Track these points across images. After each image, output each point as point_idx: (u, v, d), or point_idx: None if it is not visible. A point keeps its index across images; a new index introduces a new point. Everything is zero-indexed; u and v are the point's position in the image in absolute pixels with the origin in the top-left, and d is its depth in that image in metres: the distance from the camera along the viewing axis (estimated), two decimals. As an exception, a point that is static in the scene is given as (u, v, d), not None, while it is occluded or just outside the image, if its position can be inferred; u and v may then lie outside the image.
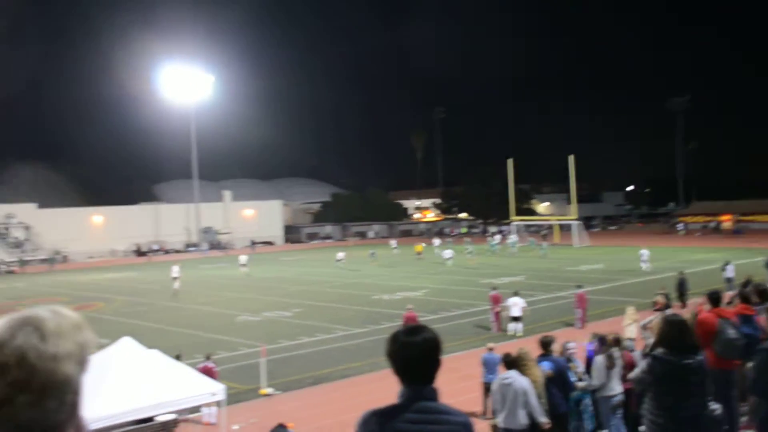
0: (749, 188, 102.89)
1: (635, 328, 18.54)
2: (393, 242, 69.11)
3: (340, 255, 51.41)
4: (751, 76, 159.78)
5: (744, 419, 8.38)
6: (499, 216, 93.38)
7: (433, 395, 2.86)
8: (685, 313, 8.74)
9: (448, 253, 50.11)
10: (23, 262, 67.52)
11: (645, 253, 42.03)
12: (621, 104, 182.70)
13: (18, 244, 74.08)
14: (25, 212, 78.47)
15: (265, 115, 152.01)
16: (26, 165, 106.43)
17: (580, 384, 10.63)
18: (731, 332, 7.62)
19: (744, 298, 8.54)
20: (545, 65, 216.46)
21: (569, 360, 10.87)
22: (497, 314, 24.73)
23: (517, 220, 73.86)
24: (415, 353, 2.84)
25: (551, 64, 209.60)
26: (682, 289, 27.23)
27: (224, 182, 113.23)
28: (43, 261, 68.70)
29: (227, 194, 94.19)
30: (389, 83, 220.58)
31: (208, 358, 16.61)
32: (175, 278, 39.95)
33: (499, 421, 9.97)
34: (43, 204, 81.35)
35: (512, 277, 40.13)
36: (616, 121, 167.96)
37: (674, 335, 5.32)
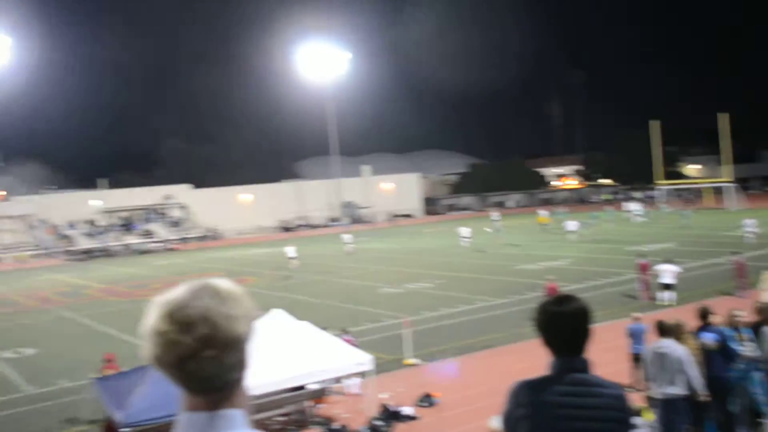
0: None
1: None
2: (495, 215, 64.44)
3: (465, 231, 46.84)
4: None
5: None
6: (645, 181, 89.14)
7: (584, 366, 2.79)
8: None
9: (572, 224, 45.82)
10: (182, 240, 72.35)
11: (749, 222, 37.81)
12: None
13: (176, 223, 79.29)
14: (181, 193, 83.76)
15: (401, 89, 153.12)
16: (180, 146, 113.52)
17: (749, 354, 10.01)
18: None
19: None
20: (689, 17, 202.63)
21: (737, 329, 10.25)
22: (646, 282, 23.79)
23: (663, 185, 70.25)
24: (564, 323, 2.78)
25: (696, 15, 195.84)
26: None
27: (363, 157, 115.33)
28: (200, 238, 73.23)
29: (366, 169, 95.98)
30: (524, 49, 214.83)
31: (344, 331, 16.96)
32: (291, 258, 40.25)
33: (655, 391, 9.64)
34: (197, 184, 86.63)
35: (662, 243, 38.34)
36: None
37: None
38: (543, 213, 59.00)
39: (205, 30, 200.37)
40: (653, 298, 23.17)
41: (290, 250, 41.76)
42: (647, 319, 14.73)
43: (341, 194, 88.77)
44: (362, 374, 14.34)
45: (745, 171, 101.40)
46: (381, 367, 17.42)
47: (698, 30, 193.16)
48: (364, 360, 13.78)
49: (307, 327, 14.48)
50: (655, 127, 69.18)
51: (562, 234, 46.57)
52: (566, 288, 26.03)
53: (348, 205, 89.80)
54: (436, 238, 54.55)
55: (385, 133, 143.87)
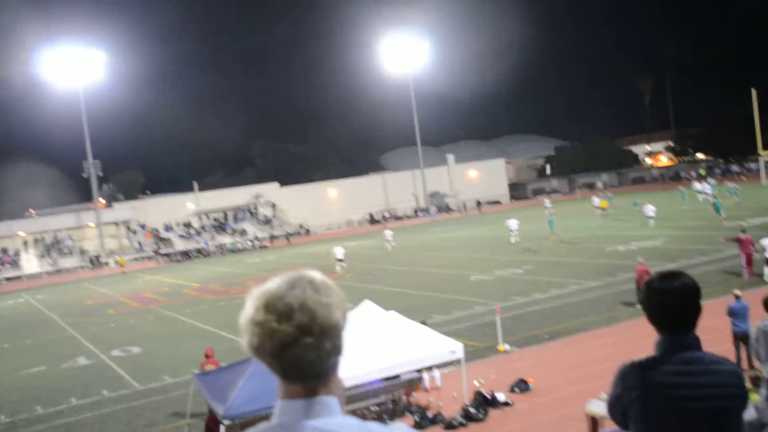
0: None
1: None
2: (547, 201, 63.12)
3: (513, 224, 41.14)
4: None
5: None
6: (744, 152, 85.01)
7: (696, 344, 2.70)
8: None
9: (650, 209, 41.24)
10: (273, 237, 74.13)
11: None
12: None
13: (266, 221, 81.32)
14: (270, 191, 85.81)
15: (480, 75, 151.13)
16: (268, 146, 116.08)
17: None
18: None
19: None
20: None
21: None
22: (749, 258, 22.65)
23: (765, 155, 66.75)
24: (673, 300, 2.70)
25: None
26: None
27: (446, 146, 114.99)
28: (290, 235, 74.84)
29: (450, 157, 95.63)
30: (610, 26, 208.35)
31: (423, 323, 16.44)
32: (339, 260, 38.03)
33: (764, 370, 9.19)
34: (285, 182, 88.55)
35: (762, 217, 36.51)
36: None
37: None
38: (596, 200, 54.16)
39: (288, 28, 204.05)
40: (759, 275, 22.10)
41: (339, 252, 38.60)
42: (752, 297, 14.08)
43: (427, 184, 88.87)
44: (455, 362, 14.33)
45: None
46: (474, 355, 17.39)
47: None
48: (455, 347, 13.76)
49: (395, 316, 14.59)
50: (754, 95, 65.69)
51: (628, 220, 44.78)
52: (661, 268, 25.21)
53: (434, 195, 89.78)
54: (524, 222, 53.71)
55: (468, 120, 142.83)
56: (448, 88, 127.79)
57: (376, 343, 13.28)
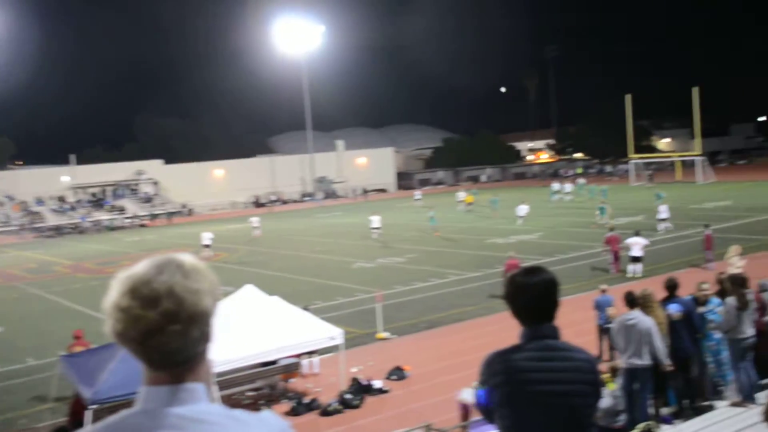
0: None
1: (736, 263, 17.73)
2: (417, 193, 65.21)
3: (375, 221, 38.73)
4: None
5: None
6: (617, 155, 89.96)
7: (554, 333, 2.87)
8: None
9: (523, 209, 40.89)
10: (153, 216, 71.70)
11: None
12: (746, 29, 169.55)
13: (148, 199, 78.52)
14: (153, 168, 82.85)
15: (375, 63, 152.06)
16: (149, 122, 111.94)
17: (713, 326, 10.18)
18: None
19: None
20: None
21: (702, 302, 10.40)
22: (616, 255, 24.08)
23: (635, 158, 70.98)
24: (533, 293, 2.84)
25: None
26: None
27: (337, 132, 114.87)
28: (172, 214, 72.64)
29: (340, 144, 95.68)
30: (498, 22, 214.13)
31: (306, 308, 16.34)
32: (255, 227, 44.09)
33: (622, 361, 9.81)
34: (170, 160, 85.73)
35: (631, 217, 38.81)
36: (746, 45, 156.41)
37: None
38: (461, 194, 55.28)
39: (179, 4, 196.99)
40: (623, 271, 23.50)
41: (254, 220, 45.21)
42: (616, 292, 14.94)
43: (315, 169, 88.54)
44: (334, 348, 14.41)
45: (716, 145, 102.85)
46: (354, 341, 17.55)
47: (671, 5, 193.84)
48: (335, 334, 13.84)
49: (277, 301, 14.49)
50: (627, 100, 69.60)
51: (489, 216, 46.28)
52: (537, 261, 26.33)
53: (322, 180, 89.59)
54: (409, 212, 54.61)
55: (360, 107, 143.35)
56: (341, 74, 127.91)
57: (256, 328, 13.13)
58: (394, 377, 14.94)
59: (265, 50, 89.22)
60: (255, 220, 45.60)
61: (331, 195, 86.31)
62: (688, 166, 70.71)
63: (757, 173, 70.90)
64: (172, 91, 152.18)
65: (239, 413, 1.58)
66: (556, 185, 57.55)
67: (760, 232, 29.02)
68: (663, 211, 32.78)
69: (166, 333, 1.49)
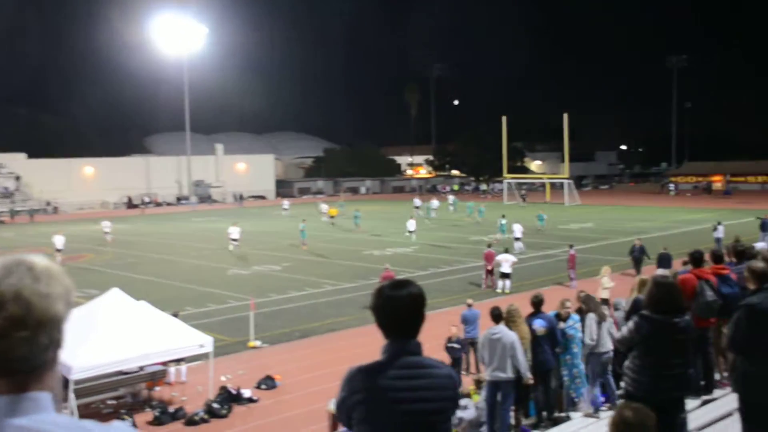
0: (740, 149, 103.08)
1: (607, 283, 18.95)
2: (285, 202, 62.52)
3: (234, 232, 36.18)
4: (747, 39, 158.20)
5: (720, 377, 8.54)
6: (492, 174, 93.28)
7: (417, 349, 2.86)
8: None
9: (411, 224, 39.60)
10: (13, 213, 67.26)
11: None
12: (617, 62, 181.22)
13: (8, 194, 73.69)
14: (14, 162, 77.89)
15: (259, 68, 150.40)
16: (16, 113, 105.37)
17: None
18: (709, 294, 7.74)
19: (717, 258, 8.63)
20: (538, 21, 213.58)
21: (563, 318, 10.90)
22: (489, 271, 24.89)
23: (509, 178, 73.92)
24: (399, 307, 2.83)
25: (545, 19, 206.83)
26: (638, 256, 25.63)
27: (216, 135, 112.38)
28: (34, 211, 68.48)
29: (219, 147, 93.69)
30: (383, 37, 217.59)
31: (175, 315, 15.53)
32: (106, 233, 42.18)
33: (486, 374, 10.11)
34: (33, 154, 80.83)
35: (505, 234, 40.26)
36: (612, 79, 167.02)
37: (663, 297, 5.36)
38: (324, 206, 54.54)
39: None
40: (490, 286, 24.37)
41: (106, 225, 43.03)
42: (484, 307, 15.45)
43: (192, 172, 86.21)
44: (204, 356, 14.04)
45: (582, 169, 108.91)
46: (224, 349, 17.19)
47: (546, 31, 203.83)
48: (204, 341, 13.50)
49: (144, 307, 13.96)
50: (504, 122, 72.31)
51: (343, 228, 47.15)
52: (411, 275, 26.82)
53: (198, 184, 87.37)
54: (287, 220, 54.19)
55: (241, 112, 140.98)
56: (223, 77, 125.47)
57: (120, 334, 12.59)
58: (264, 386, 14.74)
59: (145, 48, 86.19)
60: (107, 225, 42.61)
61: (206, 199, 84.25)
62: (556, 188, 74.38)
63: (618, 198, 75.69)
64: (42, 83, 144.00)
65: (88, 424, 1.49)
66: (417, 201, 57.55)
67: (617, 253, 30.88)
68: (517, 231, 33.26)
69: (12, 339, 1.40)
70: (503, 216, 39.56)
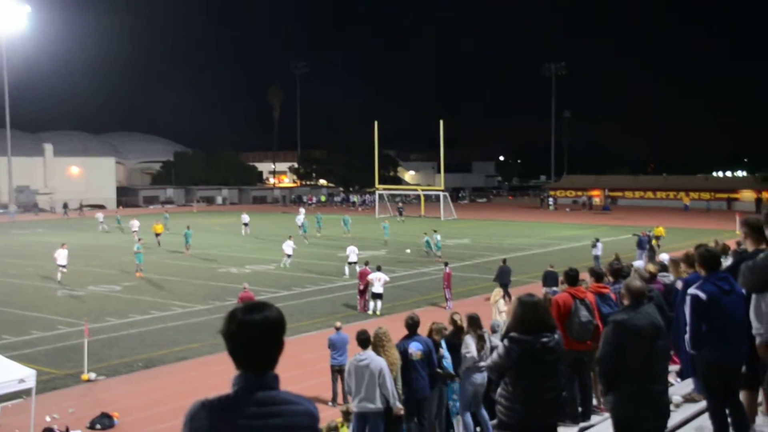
0: (621, 163, 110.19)
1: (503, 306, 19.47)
2: (99, 215, 59.06)
3: (61, 257, 32.39)
4: (630, 47, 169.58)
5: (598, 402, 9.01)
6: (362, 184, 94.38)
7: (273, 383, 2.76)
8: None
9: (288, 247, 35.38)
10: None
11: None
12: (495, 69, 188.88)
13: None
14: None
15: (96, 58, 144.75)
16: None
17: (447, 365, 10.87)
18: (584, 314, 8.16)
19: (597, 276, 9.13)
20: (417, 27, 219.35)
21: (438, 345, 11.08)
22: (363, 291, 25.00)
23: (381, 189, 74.93)
24: (255, 334, 2.74)
25: (422, 25, 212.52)
26: (503, 279, 25.74)
27: (45, 134, 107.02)
28: None
29: (48, 148, 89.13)
30: (245, 27, 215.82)
31: None
32: None
33: (353, 405, 10.12)
34: None
35: (374, 251, 40.78)
36: (490, 86, 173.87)
37: (529, 316, 5.59)
38: (135, 223, 48.13)
39: None
40: (365, 308, 24.55)
41: None
42: (354, 330, 15.53)
43: (15, 177, 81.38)
44: (24, 393, 13.25)
45: (459, 181, 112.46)
46: (51, 384, 16.38)
47: (416, 34, 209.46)
48: (25, 375, 12.74)
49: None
50: (375, 127, 73.17)
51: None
52: (274, 295, 26.61)
53: (22, 190, 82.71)
54: (127, 234, 52.34)
55: (75, 108, 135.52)
56: (52, 67, 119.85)
57: None
58: (99, 426, 14.11)
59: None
60: None
61: (32, 208, 79.75)
62: (431, 201, 76.22)
63: (496, 212, 78.60)
64: None
65: None
66: (300, 218, 56.44)
67: (494, 271, 32.02)
68: (352, 254, 32.07)
69: None
70: (435, 231, 39.52)
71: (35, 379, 12.92)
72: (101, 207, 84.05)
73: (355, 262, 31.36)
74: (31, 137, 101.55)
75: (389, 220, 52.87)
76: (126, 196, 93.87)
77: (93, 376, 17.34)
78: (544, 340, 5.57)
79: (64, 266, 31.45)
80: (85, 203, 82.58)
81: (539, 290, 19.85)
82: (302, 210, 57.44)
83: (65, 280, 30.83)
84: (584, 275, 9.52)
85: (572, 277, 8.67)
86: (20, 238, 50.89)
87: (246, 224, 52.74)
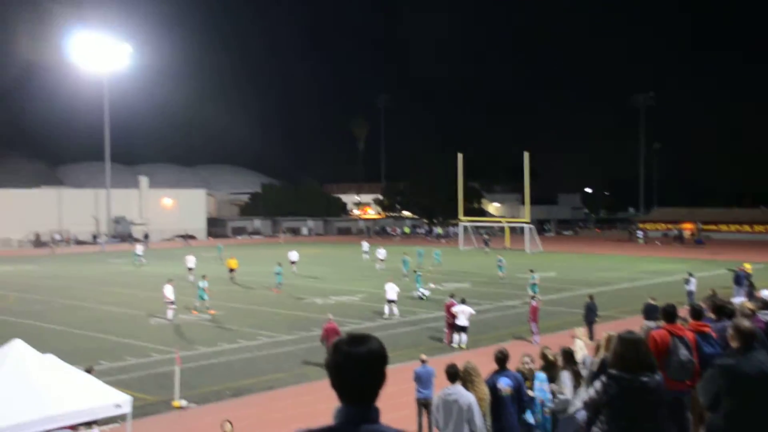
0: (714, 195, 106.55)
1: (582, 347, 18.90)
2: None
3: (191, 259, 42.49)
4: (720, 76, 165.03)
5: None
6: (447, 215, 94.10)
7: (375, 417, 2.76)
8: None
9: (392, 290, 30.43)
10: None
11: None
12: (582, 100, 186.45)
13: None
14: None
15: (189, 93, 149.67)
16: None
17: (555, 402, 10.64)
18: (683, 353, 7.81)
19: (696, 314, 8.76)
20: (499, 55, 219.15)
21: (526, 377, 10.91)
22: (450, 324, 24.63)
23: (465, 221, 74.60)
24: (359, 366, 2.74)
25: (505, 54, 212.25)
26: (590, 317, 24.98)
27: (140, 167, 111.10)
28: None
29: (143, 180, 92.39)
30: (330, 65, 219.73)
31: (89, 370, 14.61)
32: (190, 269, 42.72)
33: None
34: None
35: (457, 283, 40.49)
36: (576, 117, 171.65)
37: (630, 354, 5.40)
38: (190, 260, 44.97)
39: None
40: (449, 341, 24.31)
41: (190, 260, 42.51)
42: (439, 363, 15.38)
43: (112, 207, 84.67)
44: (120, 418, 13.59)
45: (544, 213, 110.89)
46: (144, 410, 16.71)
47: (510, 63, 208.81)
48: (121, 401, 13.07)
49: (51, 361, 13.49)
50: (460, 159, 73.04)
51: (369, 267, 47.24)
52: (358, 326, 26.68)
53: (119, 221, 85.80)
54: (220, 263, 53.52)
55: (169, 141, 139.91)
56: (148, 102, 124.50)
57: (21, 393, 12.11)
58: (189, 453, 14.33)
59: (61, 68, 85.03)
60: (191, 260, 43.20)
61: (127, 238, 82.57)
62: (516, 233, 75.32)
63: (582, 245, 77.07)
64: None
65: None
66: (365, 244, 58.51)
67: (582, 306, 31.28)
68: (391, 292, 29.93)
69: None
70: (532, 270, 35.56)
71: (131, 404, 13.24)
72: (192, 237, 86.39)
73: (393, 300, 29.75)
74: (128, 169, 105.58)
75: (490, 253, 52.41)
76: (215, 227, 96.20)
77: (184, 403, 17.69)
78: (644, 379, 5.37)
79: (173, 302, 29.97)
80: (175, 234, 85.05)
81: (629, 325, 19.26)
82: (365, 243, 59.71)
83: (157, 307, 31.53)
84: (682, 311, 9.17)
85: (670, 314, 8.34)
86: (116, 267, 52.67)
87: (366, 252, 56.08)
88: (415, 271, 38.91)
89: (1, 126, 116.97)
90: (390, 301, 29.78)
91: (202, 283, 32.25)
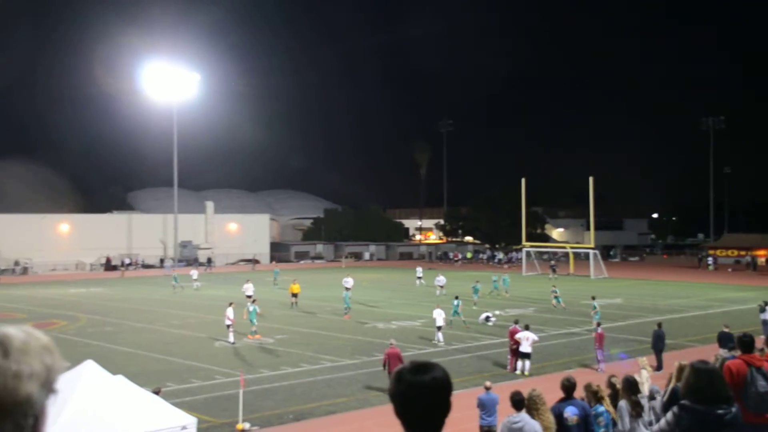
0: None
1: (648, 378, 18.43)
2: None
3: (249, 287, 42.37)
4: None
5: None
6: (509, 241, 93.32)
7: None
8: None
9: (439, 316, 29.81)
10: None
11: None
12: (648, 123, 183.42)
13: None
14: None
15: (253, 120, 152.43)
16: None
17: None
18: (762, 384, 7.51)
19: (775, 344, 8.46)
20: (564, 80, 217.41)
21: (594, 404, 10.69)
22: (514, 351, 24.28)
23: (528, 246, 73.82)
24: (424, 395, 2.67)
25: (571, 78, 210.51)
26: (658, 345, 24.41)
27: (206, 192, 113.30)
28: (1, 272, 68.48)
29: (209, 205, 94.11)
30: (391, 90, 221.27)
31: (157, 392, 15.00)
32: (249, 296, 39.27)
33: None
34: (2, 208, 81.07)
35: (520, 309, 40.02)
36: (642, 142, 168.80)
37: (704, 386, 5.20)
38: (248, 288, 43.12)
39: (38, 39, 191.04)
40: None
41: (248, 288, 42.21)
42: (503, 390, 15.18)
43: (179, 232, 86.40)
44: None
45: (609, 238, 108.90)
46: (208, 432, 16.87)
47: (576, 86, 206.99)
48: (187, 423, 13.25)
49: (122, 382, 13.77)
50: (523, 184, 72.52)
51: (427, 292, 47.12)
52: (419, 351, 26.56)
53: (186, 245, 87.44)
54: (283, 287, 54.03)
55: (234, 167, 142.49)
56: (214, 130, 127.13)
57: (93, 414, 12.38)
58: (253, 476, 14.40)
59: (131, 97, 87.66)
60: (249, 288, 41.88)
61: (193, 262, 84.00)
62: (581, 258, 74.17)
63: (649, 271, 75.33)
64: (16, 135, 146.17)
65: None
66: (419, 270, 59.30)
67: (649, 334, 30.54)
68: (438, 318, 29.49)
69: None
70: (593, 298, 34.39)
71: (196, 426, 13.41)
72: (256, 261, 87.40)
73: (440, 327, 29.38)
74: (195, 195, 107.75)
75: (552, 280, 51.73)
76: (279, 251, 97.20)
77: (247, 425, 17.82)
78: (720, 412, 5.15)
79: (231, 324, 29.92)
80: (240, 258, 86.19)
81: (699, 354, 18.71)
82: (419, 268, 60.35)
83: (222, 330, 31.90)
84: (758, 341, 8.87)
85: (746, 344, 8.06)
86: (183, 290, 53.59)
87: (419, 277, 56.72)
88: (456, 297, 36.71)
89: (81, 153, 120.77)
90: (439, 328, 29.42)
91: (252, 307, 32.04)
